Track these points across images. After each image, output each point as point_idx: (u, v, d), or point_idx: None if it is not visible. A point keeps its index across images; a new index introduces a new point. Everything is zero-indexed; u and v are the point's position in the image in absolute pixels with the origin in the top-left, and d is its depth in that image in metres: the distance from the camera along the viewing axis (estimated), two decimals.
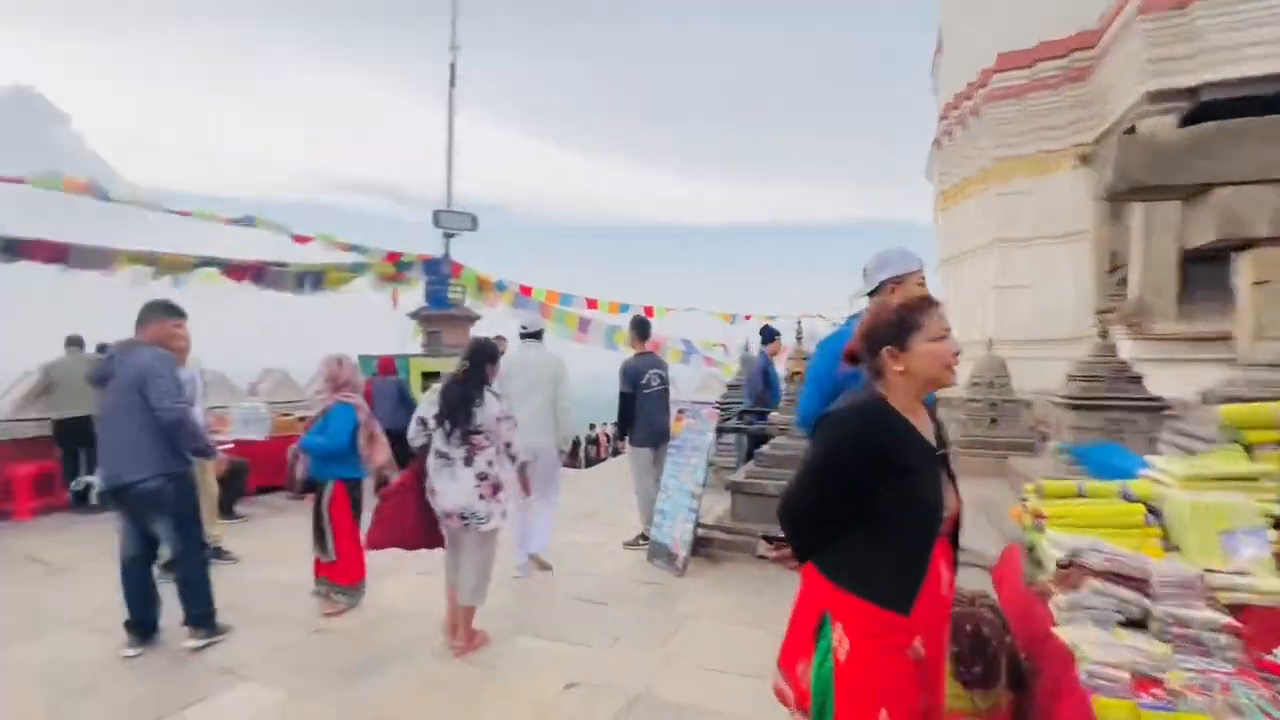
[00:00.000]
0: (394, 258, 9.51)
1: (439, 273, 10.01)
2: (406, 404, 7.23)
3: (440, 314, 10.56)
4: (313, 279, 8.48)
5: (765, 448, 4.86)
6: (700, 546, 4.50)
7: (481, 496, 3.04)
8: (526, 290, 10.83)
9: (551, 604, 3.80)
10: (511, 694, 2.77)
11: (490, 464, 3.07)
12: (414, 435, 3.14)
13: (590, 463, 14.19)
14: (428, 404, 3.14)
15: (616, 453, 16.73)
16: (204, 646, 3.10)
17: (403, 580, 4.15)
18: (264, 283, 7.90)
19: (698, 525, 4.43)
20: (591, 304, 10.97)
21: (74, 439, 6.03)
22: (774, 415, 5.07)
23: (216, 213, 7.82)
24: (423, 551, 4.67)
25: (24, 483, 5.80)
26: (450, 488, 3.03)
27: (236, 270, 7.58)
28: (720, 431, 5.24)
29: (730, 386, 7.74)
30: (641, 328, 4.95)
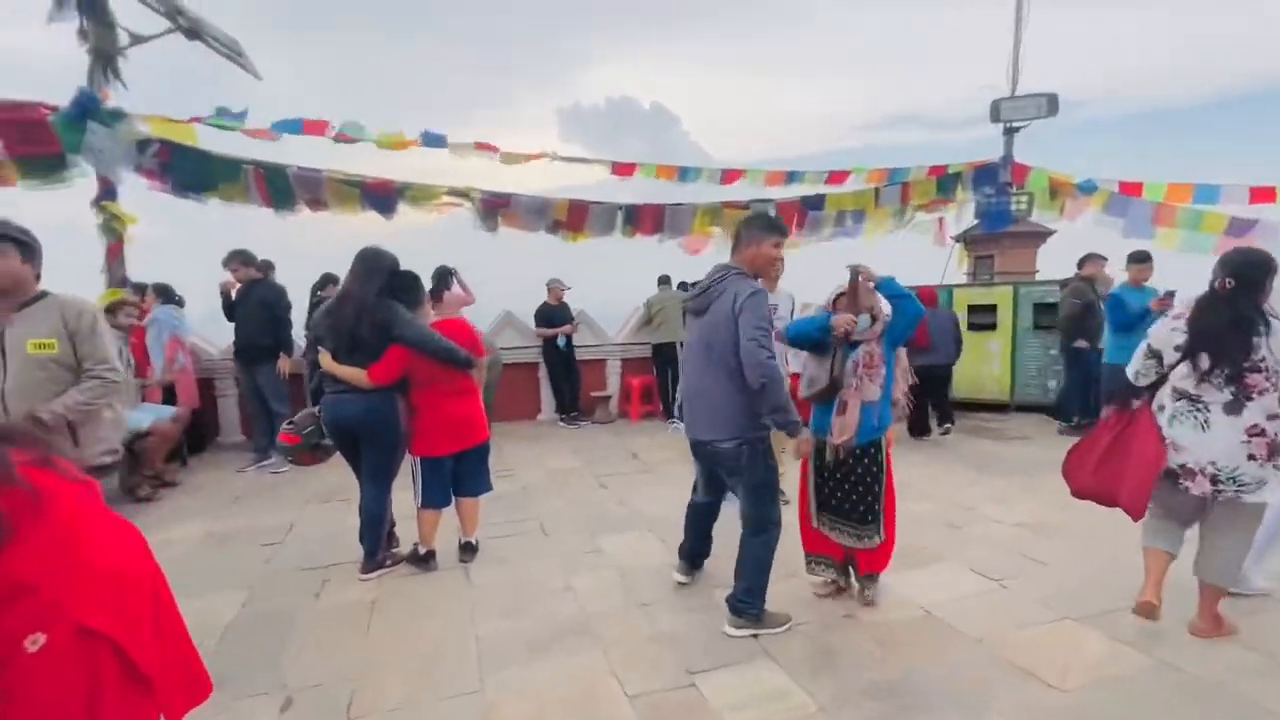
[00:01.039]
0: (937, 172, 8.07)
1: (995, 181, 8.02)
2: (959, 339, 6.05)
3: (993, 235, 8.57)
4: (854, 216, 7.96)
5: None
6: None
7: (1252, 457, 2.31)
8: (1131, 189, 7.58)
9: None
10: None
11: (1273, 417, 2.31)
12: (1141, 370, 2.57)
13: None
14: (1165, 332, 2.49)
15: None
16: (740, 637, 2.57)
17: (946, 573, 3.13)
18: (808, 226, 7.85)
19: None
20: (1264, 195, 6.82)
21: (665, 361, 7.36)
22: None
23: (765, 170, 8.12)
24: (976, 538, 3.59)
25: (635, 392, 7.44)
26: (1198, 440, 2.38)
27: (785, 214, 7.70)
28: None
29: None
30: None
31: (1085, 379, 5.89)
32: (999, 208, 7.94)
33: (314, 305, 6.08)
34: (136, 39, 5.91)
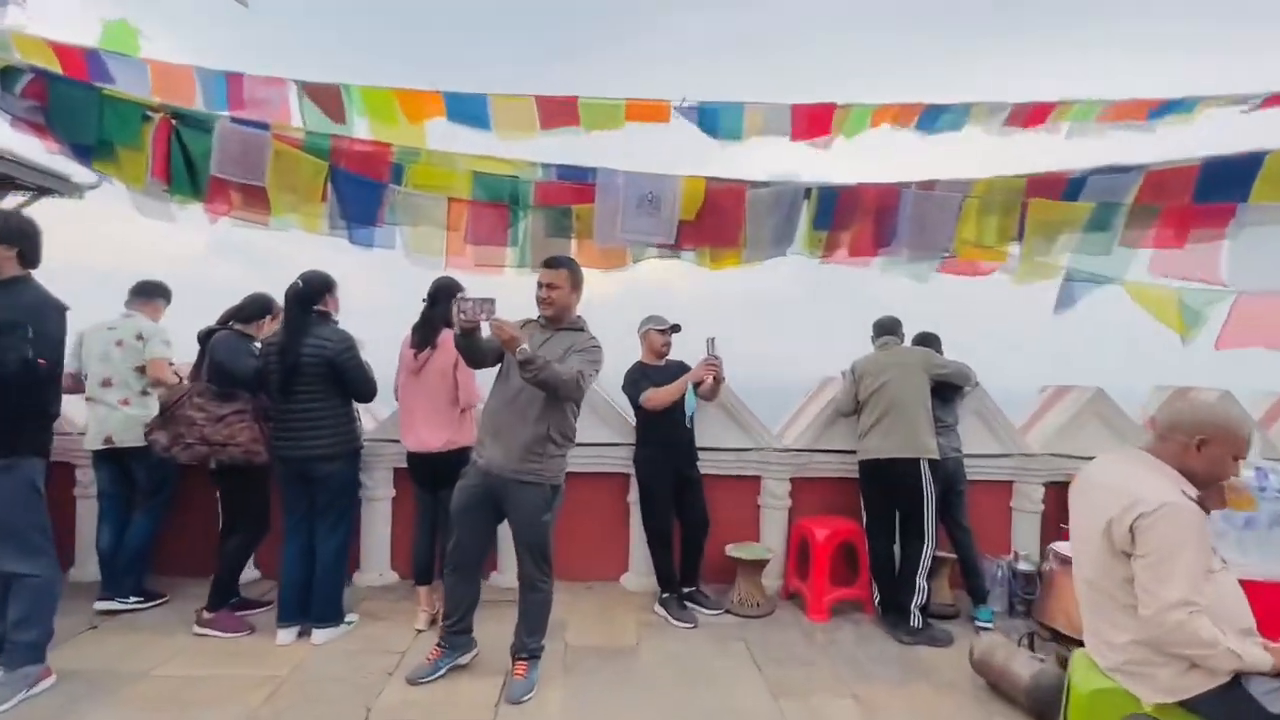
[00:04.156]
0: None
1: None
2: None
3: None
4: None
5: None
6: None
7: None
8: None
9: None
10: None
11: None
12: None
13: None
14: None
15: None
16: None
17: None
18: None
19: None
20: None
21: (886, 494, 3.48)
22: None
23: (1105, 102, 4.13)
24: None
25: (820, 554, 3.56)
26: None
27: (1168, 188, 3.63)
28: None
29: None
30: None
31: None
32: None
33: (202, 355, 3.28)
34: None
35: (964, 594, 3.62)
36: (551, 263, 2.67)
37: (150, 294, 3.52)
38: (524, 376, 2.34)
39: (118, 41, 3.76)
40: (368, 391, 2.99)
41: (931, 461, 3.35)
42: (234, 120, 3.59)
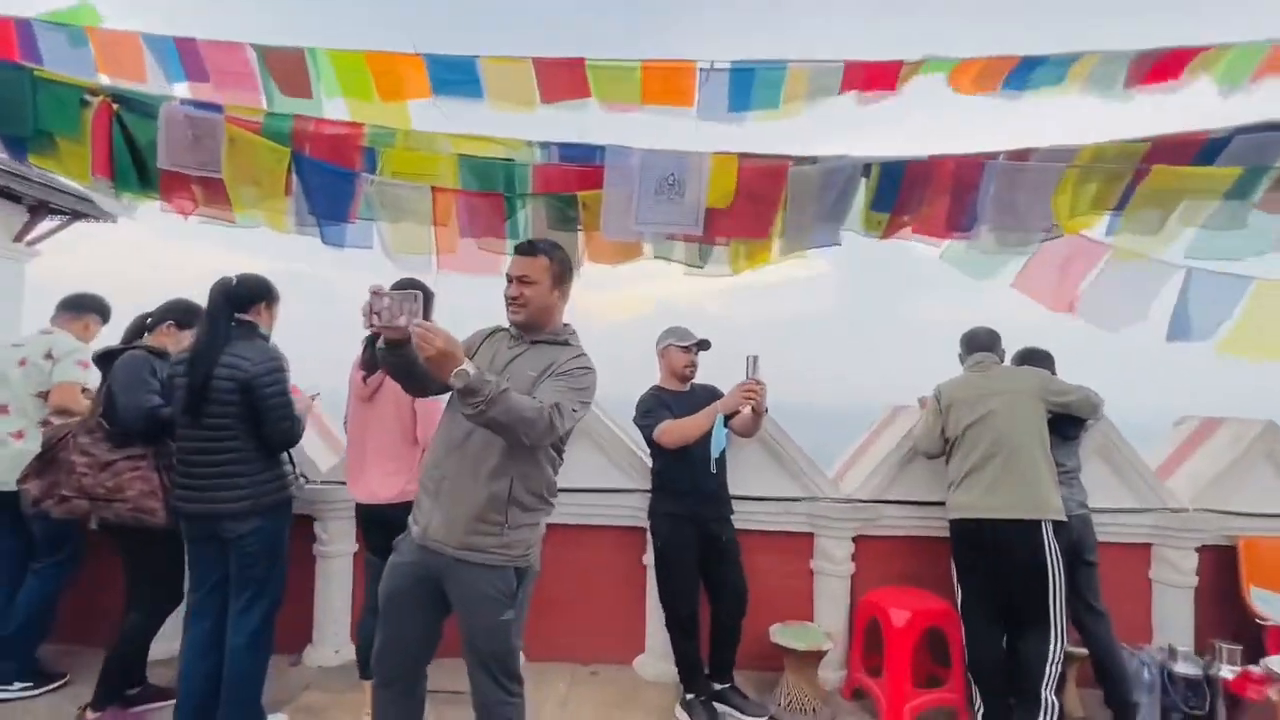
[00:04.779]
0: None
1: None
2: None
3: None
4: None
5: None
6: None
7: None
8: None
9: None
10: None
11: None
12: None
13: None
14: None
15: None
16: None
17: None
18: None
19: None
20: None
21: (986, 566, 2.57)
22: None
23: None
24: None
25: (898, 643, 2.67)
26: None
27: None
28: None
29: None
30: None
31: None
32: None
33: (103, 383, 2.68)
34: None
35: (1090, 692, 2.67)
36: (525, 249, 1.93)
37: (79, 308, 2.98)
38: (465, 413, 1.59)
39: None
40: (282, 431, 2.25)
41: (1055, 523, 2.44)
42: (183, 102, 3.05)
